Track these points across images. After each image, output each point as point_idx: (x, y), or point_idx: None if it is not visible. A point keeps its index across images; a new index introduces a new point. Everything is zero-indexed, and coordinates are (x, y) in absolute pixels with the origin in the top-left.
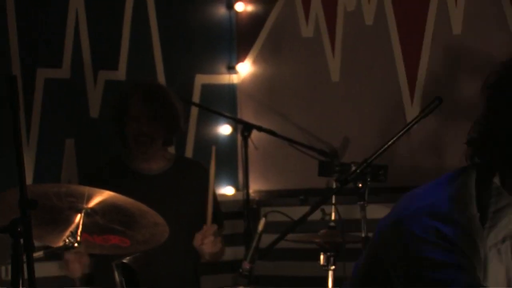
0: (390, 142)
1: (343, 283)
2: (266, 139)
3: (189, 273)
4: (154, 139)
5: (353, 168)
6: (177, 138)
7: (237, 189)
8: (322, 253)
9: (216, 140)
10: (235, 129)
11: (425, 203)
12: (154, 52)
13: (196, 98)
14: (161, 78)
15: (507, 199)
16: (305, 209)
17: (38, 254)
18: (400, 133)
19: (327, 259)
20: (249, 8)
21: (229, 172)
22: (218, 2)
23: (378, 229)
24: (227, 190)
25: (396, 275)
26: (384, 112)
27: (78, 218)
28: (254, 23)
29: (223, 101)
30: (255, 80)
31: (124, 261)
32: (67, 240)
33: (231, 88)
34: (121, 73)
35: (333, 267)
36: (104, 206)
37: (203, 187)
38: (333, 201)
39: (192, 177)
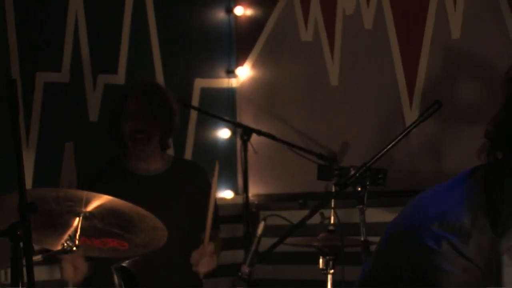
0: (389, 146)
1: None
2: (266, 143)
3: (189, 275)
4: (151, 136)
5: (352, 172)
6: (174, 139)
7: (236, 193)
8: (321, 256)
9: (216, 144)
10: (234, 133)
11: (436, 213)
12: (153, 56)
13: (195, 102)
14: (160, 82)
15: None
16: (304, 212)
17: (37, 257)
18: (399, 137)
19: (326, 263)
20: (248, 12)
21: (228, 176)
22: (217, 6)
23: (387, 234)
24: (227, 194)
25: (406, 284)
26: (383, 116)
27: (77, 222)
28: (253, 27)
29: (222, 105)
30: (254, 84)
31: (123, 264)
32: (65, 244)
33: (230, 92)
34: (120, 77)
35: (332, 270)
36: (102, 210)
37: (201, 188)
38: (332, 205)
39: (190, 178)
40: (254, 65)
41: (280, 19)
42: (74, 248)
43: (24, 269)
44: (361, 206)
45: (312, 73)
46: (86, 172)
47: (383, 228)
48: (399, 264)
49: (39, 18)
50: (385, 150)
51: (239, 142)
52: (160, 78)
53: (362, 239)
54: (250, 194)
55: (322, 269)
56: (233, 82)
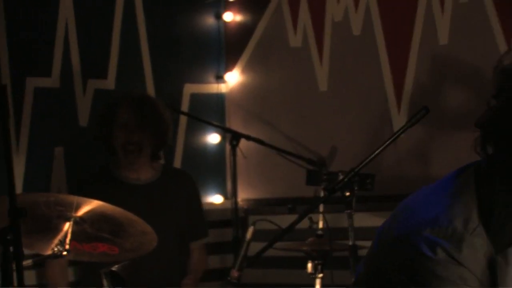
0: (377, 151)
1: None
2: (255, 148)
3: (177, 281)
4: (142, 148)
5: (341, 177)
6: (165, 150)
7: (225, 197)
8: (309, 261)
9: (205, 149)
10: (223, 138)
11: (427, 217)
12: (143, 61)
13: (185, 107)
14: (150, 87)
15: (511, 201)
16: (293, 217)
17: (27, 262)
18: (387, 142)
19: (314, 267)
20: (238, 18)
21: (217, 181)
22: (207, 12)
23: (379, 239)
24: (216, 199)
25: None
26: (372, 121)
27: (67, 226)
28: (243, 32)
29: (212, 110)
30: (243, 89)
31: (113, 268)
32: (56, 248)
33: (220, 97)
34: (110, 82)
35: (320, 275)
36: (92, 215)
37: (190, 196)
38: (321, 209)
39: (179, 187)
40: (243, 71)
41: (269, 25)
42: (65, 253)
43: (14, 274)
44: (349, 211)
45: (301, 79)
46: (77, 178)
47: (372, 232)
48: (392, 269)
49: (30, 23)
50: (373, 155)
51: (228, 147)
52: (149, 84)
53: (350, 243)
54: (239, 199)
55: (310, 273)
56: (223, 88)
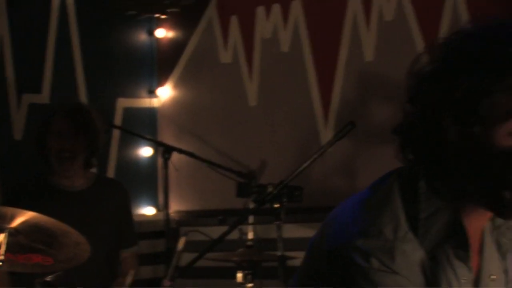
0: (305, 165)
1: None
2: (186, 161)
3: None
4: (76, 155)
5: (270, 189)
6: (98, 158)
7: (157, 209)
8: (239, 271)
9: (137, 162)
10: (155, 151)
11: (357, 230)
12: (77, 76)
13: (118, 121)
14: (84, 102)
15: (436, 203)
16: (224, 228)
17: None
18: (315, 156)
19: (244, 277)
20: (170, 34)
21: (149, 193)
22: (140, 28)
23: (310, 252)
24: (148, 211)
25: None
26: (300, 136)
27: (2, 238)
28: (175, 48)
29: (144, 124)
30: (175, 104)
31: (47, 279)
32: None
33: (152, 112)
34: (44, 97)
35: (250, 284)
36: (27, 226)
37: (121, 206)
38: (251, 221)
39: (111, 196)
40: (175, 86)
41: (200, 41)
42: None
43: None
44: (278, 222)
45: (231, 94)
46: (10, 188)
47: (300, 243)
48: (327, 282)
49: None
50: (301, 168)
51: (160, 160)
52: (83, 98)
53: (279, 254)
54: (171, 211)
55: (240, 283)
56: (155, 102)
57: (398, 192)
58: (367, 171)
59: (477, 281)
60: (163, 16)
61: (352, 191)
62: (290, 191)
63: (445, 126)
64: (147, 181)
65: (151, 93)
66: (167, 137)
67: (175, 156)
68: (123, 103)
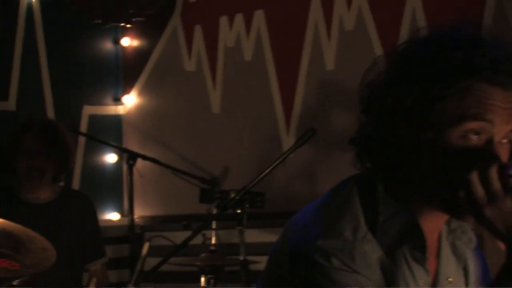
0: (267, 171)
1: None
2: (150, 167)
3: None
4: (45, 173)
5: (232, 195)
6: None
7: (122, 214)
8: (203, 275)
9: (103, 168)
10: (120, 158)
11: (318, 231)
12: (43, 84)
13: (83, 128)
14: (50, 109)
15: (394, 207)
16: (187, 233)
17: None
18: (277, 162)
19: (207, 281)
20: (135, 43)
21: (114, 199)
22: (105, 37)
23: (272, 256)
24: (113, 216)
25: None
26: (262, 142)
27: None
28: (139, 57)
29: (110, 131)
30: (140, 111)
31: (14, 283)
32: None
33: (117, 119)
34: (11, 104)
35: None
36: None
37: (87, 218)
38: (214, 226)
39: (76, 208)
40: (140, 93)
41: (165, 50)
42: None
43: None
44: (240, 228)
45: (195, 101)
46: None
47: (262, 248)
48: (289, 283)
49: None
50: (263, 174)
51: (125, 166)
52: (49, 105)
53: (241, 258)
54: (135, 216)
55: (203, 287)
56: (120, 109)
57: (357, 196)
58: (328, 177)
59: (434, 283)
60: (128, 25)
61: (313, 196)
62: (252, 197)
63: (400, 133)
64: (112, 187)
65: (117, 100)
66: (132, 144)
67: (139, 162)
68: (89, 110)
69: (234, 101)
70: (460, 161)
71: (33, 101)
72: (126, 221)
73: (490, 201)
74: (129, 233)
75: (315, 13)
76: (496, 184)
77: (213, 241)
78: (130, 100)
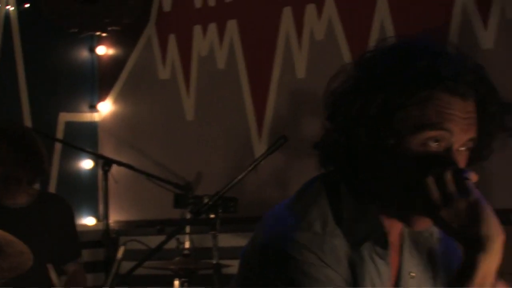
0: (240, 177)
1: None
2: (125, 173)
3: None
4: (21, 181)
5: (206, 200)
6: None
7: (97, 219)
8: (176, 279)
9: (79, 174)
10: (96, 164)
11: (288, 225)
12: (20, 91)
13: (59, 134)
14: (27, 115)
15: (356, 205)
16: (162, 238)
17: None
18: (249, 168)
19: (181, 285)
20: (110, 51)
21: (90, 204)
22: (81, 45)
23: (244, 255)
24: (88, 221)
25: None
26: (235, 149)
27: None
28: (115, 65)
29: (85, 138)
30: (115, 118)
31: None
32: None
33: (93, 126)
34: None
35: None
36: None
37: (64, 221)
38: (188, 230)
39: (53, 211)
40: (115, 101)
41: (140, 58)
42: None
43: None
44: (214, 232)
45: (169, 109)
46: None
47: (235, 252)
48: (263, 277)
49: None
50: (236, 180)
51: (100, 172)
52: (26, 112)
53: (214, 262)
54: (110, 221)
55: None
56: (96, 116)
57: (324, 194)
58: (298, 182)
59: (398, 278)
60: (103, 34)
61: None
62: (225, 202)
63: (362, 140)
64: (87, 192)
65: (92, 107)
66: (107, 150)
67: (114, 168)
68: (65, 117)
69: (208, 108)
70: (418, 166)
71: (10, 108)
72: (101, 226)
73: (445, 203)
74: (104, 238)
75: (287, 23)
76: (451, 187)
77: (187, 245)
78: (106, 108)
